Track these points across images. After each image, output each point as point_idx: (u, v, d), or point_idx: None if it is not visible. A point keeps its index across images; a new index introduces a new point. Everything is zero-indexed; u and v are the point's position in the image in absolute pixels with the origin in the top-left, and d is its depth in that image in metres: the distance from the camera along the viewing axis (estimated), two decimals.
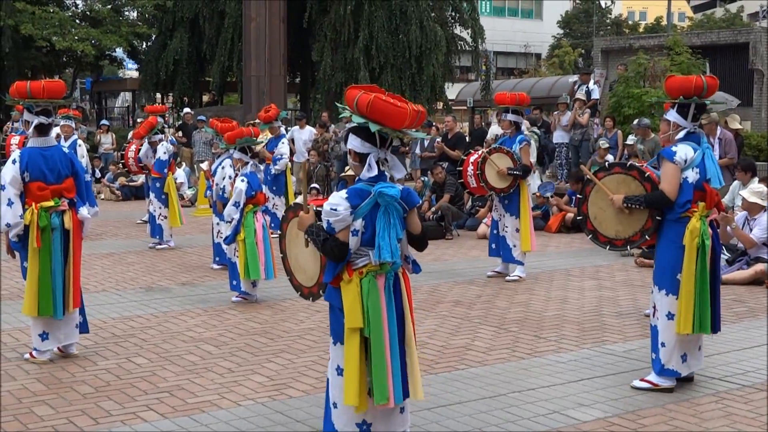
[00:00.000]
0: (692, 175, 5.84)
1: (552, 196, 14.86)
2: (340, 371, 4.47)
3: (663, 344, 5.91)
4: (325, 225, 4.35)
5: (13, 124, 19.95)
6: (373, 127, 4.30)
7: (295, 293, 4.95)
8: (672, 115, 6.00)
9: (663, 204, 5.86)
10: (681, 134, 5.95)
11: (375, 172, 4.36)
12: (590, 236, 6.29)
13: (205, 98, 35.79)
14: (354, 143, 4.41)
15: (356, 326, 4.31)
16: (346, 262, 4.36)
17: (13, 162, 6.60)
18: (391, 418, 4.54)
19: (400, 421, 4.60)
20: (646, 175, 6.03)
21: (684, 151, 5.83)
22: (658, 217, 5.94)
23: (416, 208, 4.49)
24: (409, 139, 4.52)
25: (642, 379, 6.03)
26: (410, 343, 4.47)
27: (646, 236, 6.04)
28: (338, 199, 4.33)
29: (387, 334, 4.34)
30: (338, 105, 4.58)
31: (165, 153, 12.69)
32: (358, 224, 4.32)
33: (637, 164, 6.15)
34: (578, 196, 6.36)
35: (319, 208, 4.50)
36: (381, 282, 4.36)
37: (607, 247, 6.29)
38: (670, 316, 5.86)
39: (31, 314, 6.60)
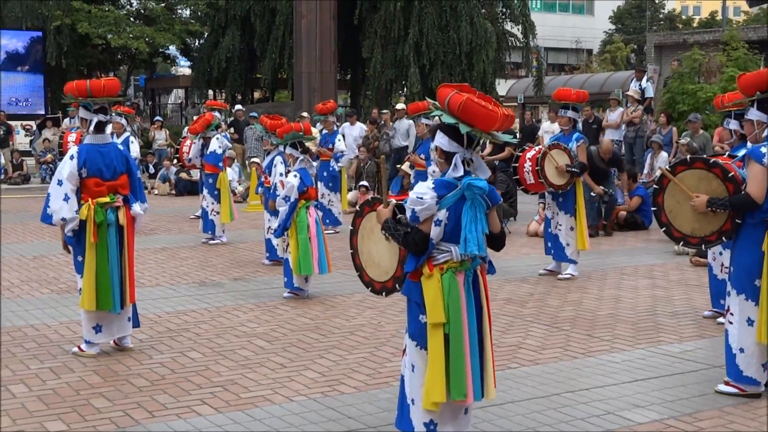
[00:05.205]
0: None
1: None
2: (412, 368, 4.49)
3: (741, 350, 5.69)
4: (409, 214, 4.37)
5: (70, 121, 20.33)
6: (464, 129, 4.31)
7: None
8: (754, 114, 5.74)
9: (749, 208, 5.57)
10: None
11: (461, 172, 4.36)
12: (664, 229, 6.06)
13: (257, 95, 36.14)
14: (441, 141, 4.43)
15: (439, 321, 4.32)
16: (427, 256, 4.37)
17: (71, 158, 6.71)
18: (458, 418, 4.54)
19: (465, 421, 4.60)
20: (729, 174, 5.74)
21: None
22: (738, 220, 5.67)
23: (496, 207, 4.50)
24: (497, 141, 4.53)
25: (727, 383, 5.81)
26: (487, 342, 4.48)
27: (723, 238, 5.82)
28: (425, 189, 4.35)
29: (467, 331, 4.36)
30: (431, 102, 4.60)
31: (220, 147, 12.76)
32: (442, 215, 4.33)
33: (720, 162, 5.85)
34: (655, 186, 6.17)
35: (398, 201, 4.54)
36: (461, 278, 4.38)
37: (680, 243, 6.12)
38: (750, 322, 5.63)
39: (89, 308, 6.68)
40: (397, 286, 4.66)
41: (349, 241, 5.04)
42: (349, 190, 17.85)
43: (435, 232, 4.34)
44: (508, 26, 30.52)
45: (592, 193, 12.48)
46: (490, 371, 4.48)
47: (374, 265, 4.82)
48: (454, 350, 4.33)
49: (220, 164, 12.72)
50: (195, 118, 16.07)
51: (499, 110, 4.29)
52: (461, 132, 4.34)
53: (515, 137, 16.64)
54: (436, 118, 4.49)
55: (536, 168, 9.68)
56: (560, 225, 9.88)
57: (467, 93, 4.32)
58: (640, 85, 17.86)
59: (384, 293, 4.83)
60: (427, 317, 4.36)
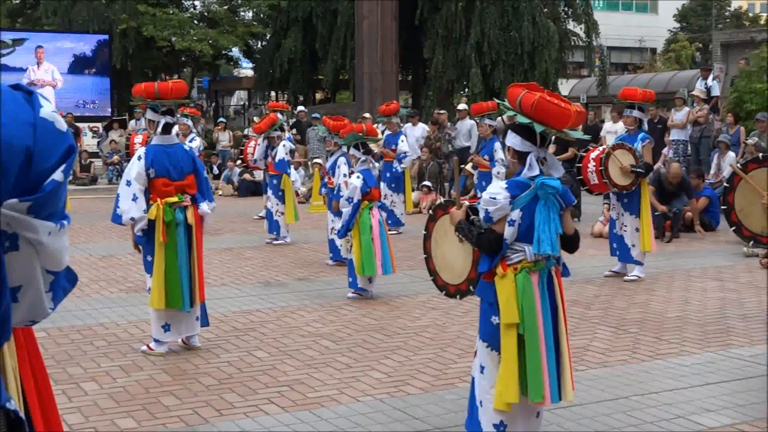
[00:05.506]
0: None
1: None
2: (482, 369, 4.47)
3: None
4: (482, 214, 4.37)
5: (136, 123, 20.69)
6: (538, 128, 4.29)
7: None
8: None
9: None
10: None
11: (536, 171, 4.34)
12: (733, 228, 6.02)
13: (319, 96, 36.36)
14: (514, 141, 4.41)
15: (513, 321, 4.30)
16: (501, 256, 4.35)
17: (139, 158, 6.85)
18: (529, 420, 4.51)
19: (536, 424, 4.57)
20: None
21: None
22: None
23: (569, 208, 4.46)
24: (569, 139, 4.50)
25: None
26: (563, 342, 4.44)
27: None
28: (498, 189, 4.35)
29: (542, 332, 4.32)
30: (500, 102, 4.57)
31: (287, 154, 12.88)
32: (516, 215, 4.31)
33: None
34: (725, 185, 6.10)
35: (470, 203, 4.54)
36: (535, 279, 4.35)
37: (750, 243, 6.09)
38: None
39: (159, 307, 6.79)
40: (471, 287, 4.65)
41: (423, 246, 5.05)
42: (412, 190, 17.87)
43: (509, 232, 4.32)
44: (571, 25, 30.24)
45: (656, 213, 12.30)
46: (567, 373, 4.43)
47: (448, 269, 4.81)
48: (530, 351, 4.30)
49: (288, 171, 12.82)
50: (256, 119, 16.20)
51: (571, 107, 4.27)
52: (535, 131, 4.31)
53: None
54: (499, 119, 4.48)
55: (600, 168, 9.56)
56: (625, 226, 9.75)
57: (538, 92, 4.29)
58: (705, 84, 17.55)
59: (458, 296, 4.82)
60: (501, 317, 4.33)
